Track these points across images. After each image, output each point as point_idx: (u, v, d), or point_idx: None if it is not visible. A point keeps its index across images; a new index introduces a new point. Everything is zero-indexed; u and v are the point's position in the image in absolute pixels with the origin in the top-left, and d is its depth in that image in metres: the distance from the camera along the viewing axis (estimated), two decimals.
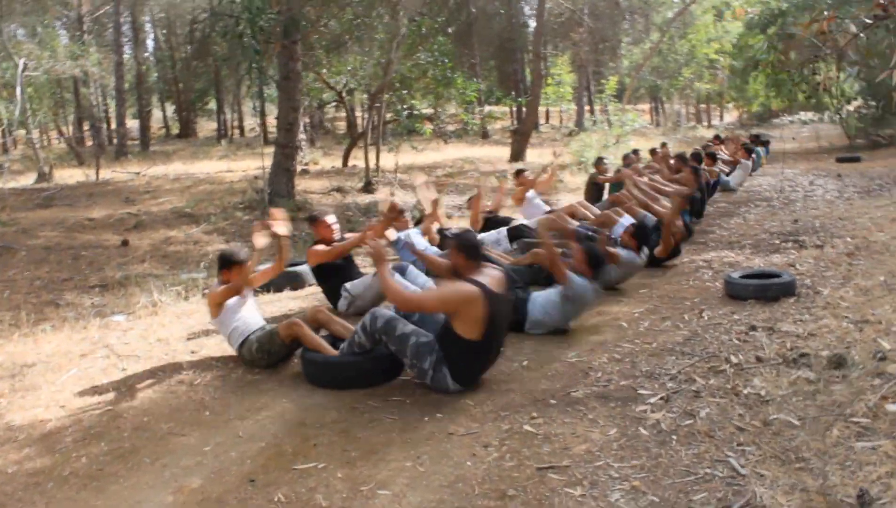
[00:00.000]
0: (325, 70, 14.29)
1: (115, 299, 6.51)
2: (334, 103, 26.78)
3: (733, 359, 4.56)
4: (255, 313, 4.92)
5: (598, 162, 12.56)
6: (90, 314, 6.02)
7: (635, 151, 14.30)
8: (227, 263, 4.87)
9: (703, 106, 45.68)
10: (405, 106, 13.82)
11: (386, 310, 4.29)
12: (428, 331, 4.28)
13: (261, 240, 4.92)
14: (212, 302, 4.77)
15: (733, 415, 3.77)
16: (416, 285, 5.86)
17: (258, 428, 3.81)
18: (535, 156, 19.74)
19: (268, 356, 4.59)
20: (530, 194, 10.03)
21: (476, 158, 18.96)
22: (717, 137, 20.97)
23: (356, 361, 4.26)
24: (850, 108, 23.69)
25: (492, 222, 9.25)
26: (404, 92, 14.44)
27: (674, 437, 3.56)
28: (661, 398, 4.02)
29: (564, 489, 3.10)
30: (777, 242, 8.38)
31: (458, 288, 4.07)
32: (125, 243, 8.35)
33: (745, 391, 4.06)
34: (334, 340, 4.55)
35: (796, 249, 7.96)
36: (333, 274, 6.00)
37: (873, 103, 21.89)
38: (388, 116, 14.24)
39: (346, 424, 3.83)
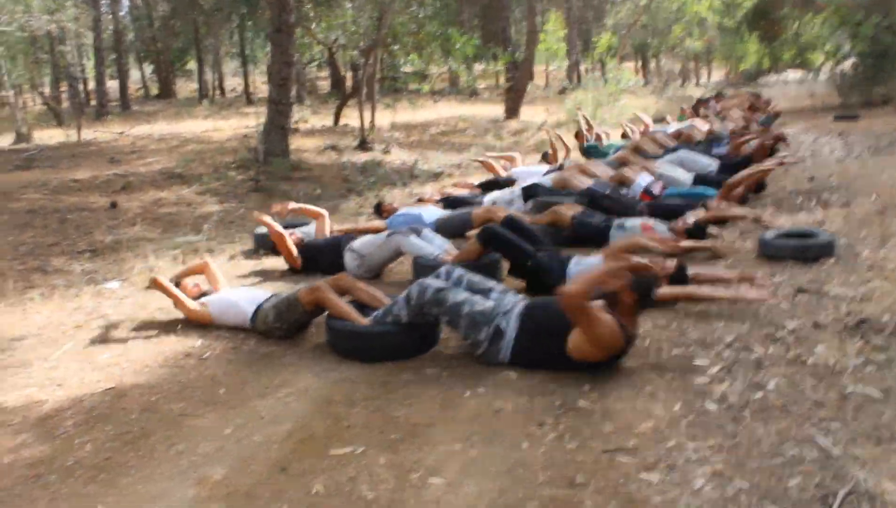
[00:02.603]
0: (314, 25, 13.67)
1: (106, 264, 6.04)
2: (315, 63, 26.07)
3: (789, 325, 4.21)
4: (252, 289, 4.60)
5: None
6: (81, 282, 5.55)
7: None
8: None
9: (690, 65, 45.05)
10: (402, 62, 13.25)
11: (434, 280, 3.89)
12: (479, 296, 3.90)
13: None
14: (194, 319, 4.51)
15: (805, 387, 3.43)
16: (434, 245, 5.47)
17: (281, 408, 3.42)
18: (530, 114, 19.24)
19: (286, 325, 4.19)
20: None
21: (469, 115, 18.43)
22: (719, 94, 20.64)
23: (391, 331, 3.85)
24: (846, 66, 23.28)
25: (493, 184, 8.87)
26: (395, 48, 13.88)
27: (746, 412, 3.21)
28: (722, 369, 3.67)
29: (639, 474, 2.75)
30: (799, 200, 8.01)
31: (616, 336, 3.52)
32: (114, 205, 7.85)
33: (811, 361, 3.72)
34: (359, 307, 4.14)
35: (821, 207, 7.61)
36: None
37: (869, 61, 21.47)
38: (381, 73, 13.69)
39: (380, 401, 3.44)
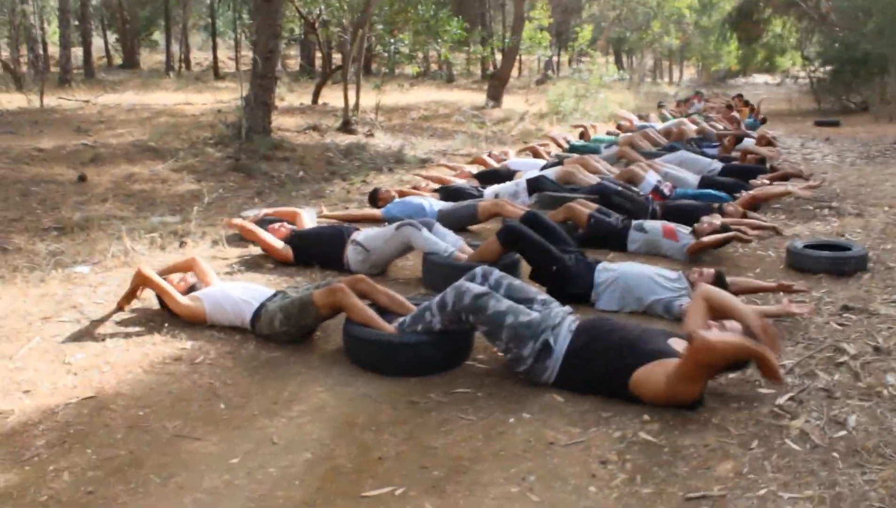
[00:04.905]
0: None
1: (75, 245, 5.40)
2: (286, 39, 25.30)
3: (848, 349, 3.81)
4: (252, 285, 4.05)
5: None
6: (47, 264, 4.92)
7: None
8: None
9: (665, 63, 45.03)
10: (391, 42, 12.64)
11: (471, 283, 3.38)
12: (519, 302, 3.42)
13: None
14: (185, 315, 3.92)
15: (891, 425, 3.02)
16: (447, 242, 4.97)
17: (296, 431, 2.90)
18: (511, 103, 18.79)
19: (296, 329, 3.65)
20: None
21: (450, 101, 17.90)
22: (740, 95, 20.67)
23: (426, 341, 3.35)
24: (822, 72, 23.27)
25: (492, 175, 8.40)
26: (380, 27, 13.26)
27: (835, 454, 2.79)
28: (791, 399, 3.25)
29: None
30: (810, 207, 7.69)
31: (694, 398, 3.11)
32: (82, 178, 7.18)
33: (886, 393, 3.32)
34: (378, 312, 3.62)
35: (834, 216, 7.29)
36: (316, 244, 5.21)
37: (847, 68, 21.46)
38: (368, 51, 13.09)
39: (411, 427, 2.94)
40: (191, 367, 3.45)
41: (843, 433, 2.96)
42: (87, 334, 3.81)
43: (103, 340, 3.72)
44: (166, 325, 3.90)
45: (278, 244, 5.12)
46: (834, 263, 5.20)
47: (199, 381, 3.31)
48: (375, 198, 6.72)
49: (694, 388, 3.05)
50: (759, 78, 49.71)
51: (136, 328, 3.89)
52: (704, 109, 19.16)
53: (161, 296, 3.94)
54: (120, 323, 3.97)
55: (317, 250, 5.11)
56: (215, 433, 2.86)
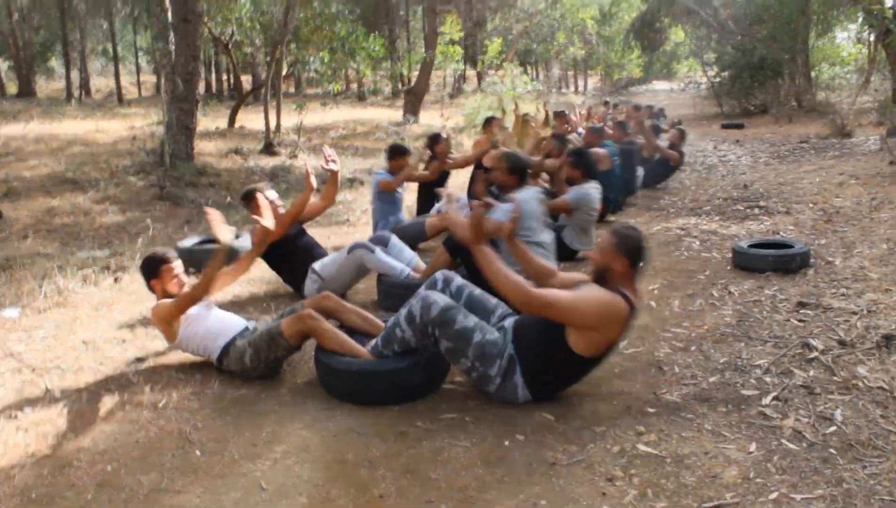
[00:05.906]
0: (206, 18, 12.60)
1: None
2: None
3: (815, 344, 3.86)
4: (228, 315, 3.77)
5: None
6: None
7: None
8: (153, 269, 3.62)
9: (570, 72, 45.93)
10: (312, 59, 12.38)
11: (439, 295, 3.23)
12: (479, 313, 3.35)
13: (225, 231, 3.61)
14: (162, 322, 3.56)
15: (874, 417, 3.07)
16: (404, 257, 4.84)
17: (284, 474, 2.70)
18: (429, 118, 18.74)
19: (265, 364, 3.44)
20: None
21: (366, 119, 17.73)
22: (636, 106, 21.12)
23: (412, 365, 3.19)
24: (724, 76, 24.14)
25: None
26: (294, 46, 13.01)
27: (832, 450, 2.80)
28: (776, 399, 3.26)
29: None
30: (740, 207, 7.89)
31: (610, 304, 3.01)
32: None
33: (861, 384, 3.37)
34: (349, 333, 3.45)
35: (765, 215, 7.49)
36: (291, 254, 4.84)
37: (746, 73, 22.35)
38: (288, 70, 12.81)
39: (405, 459, 2.79)
40: (154, 412, 3.20)
41: (833, 428, 2.97)
42: (31, 384, 3.49)
43: (50, 390, 3.42)
44: (116, 368, 3.62)
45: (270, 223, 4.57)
46: (780, 261, 5.31)
47: (166, 427, 3.07)
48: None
49: (577, 312, 3.01)
50: (660, 85, 51.36)
51: (85, 374, 3.60)
52: (613, 116, 19.72)
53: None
54: (66, 369, 3.66)
55: (288, 264, 4.84)
56: (196, 483, 2.64)
